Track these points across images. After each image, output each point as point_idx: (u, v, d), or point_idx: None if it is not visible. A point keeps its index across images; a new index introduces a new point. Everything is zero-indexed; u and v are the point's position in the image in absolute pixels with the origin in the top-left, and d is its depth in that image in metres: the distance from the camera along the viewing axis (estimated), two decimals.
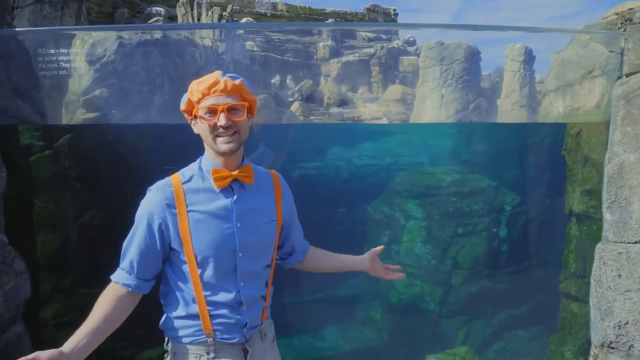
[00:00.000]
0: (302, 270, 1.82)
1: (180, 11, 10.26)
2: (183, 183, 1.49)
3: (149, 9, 12.95)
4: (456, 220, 5.53)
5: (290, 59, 15.97)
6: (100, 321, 1.46)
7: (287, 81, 14.94)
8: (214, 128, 1.44)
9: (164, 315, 1.58)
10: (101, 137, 3.80)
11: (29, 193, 3.15)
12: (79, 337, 1.41)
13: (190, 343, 1.53)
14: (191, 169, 1.54)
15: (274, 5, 17.65)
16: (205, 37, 9.49)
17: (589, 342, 2.79)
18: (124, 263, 1.51)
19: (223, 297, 1.51)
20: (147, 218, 1.48)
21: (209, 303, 1.50)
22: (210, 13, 9.43)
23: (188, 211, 1.46)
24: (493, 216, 5.49)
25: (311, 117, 15.09)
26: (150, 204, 1.48)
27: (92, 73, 4.30)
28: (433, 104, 11.12)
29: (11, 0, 6.84)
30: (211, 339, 1.51)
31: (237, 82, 1.46)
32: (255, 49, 14.59)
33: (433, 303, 5.35)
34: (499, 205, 5.56)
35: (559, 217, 4.57)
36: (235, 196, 1.50)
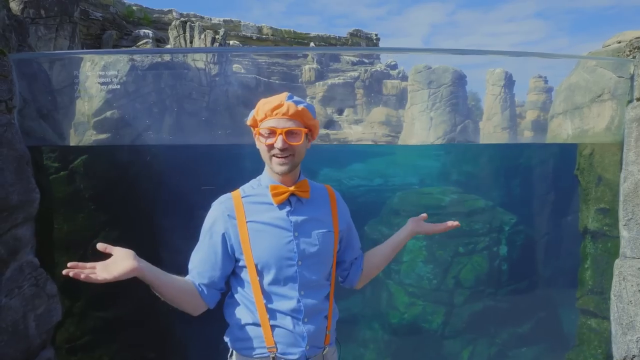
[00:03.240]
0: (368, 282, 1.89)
1: (172, 34, 10.33)
2: (243, 197, 1.59)
3: (137, 31, 12.96)
4: (457, 240, 5.62)
5: (277, 81, 16.15)
6: (174, 281, 1.53)
7: None
8: (271, 148, 1.53)
9: (228, 326, 1.64)
10: (116, 158, 3.78)
11: (50, 214, 3.10)
12: (156, 269, 1.48)
13: (252, 357, 1.56)
14: (251, 185, 1.64)
15: (260, 29, 17.89)
16: (198, 60, 9.56)
17: (609, 357, 2.88)
18: (191, 268, 1.60)
19: (284, 305, 1.55)
20: (211, 229, 1.58)
21: (270, 312, 1.54)
22: (203, 36, 9.54)
23: (247, 222, 1.55)
24: (493, 235, 5.61)
25: None
26: (214, 215, 1.58)
27: (104, 94, 4.31)
28: (422, 126, 11.37)
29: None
30: (273, 354, 1.54)
31: (300, 107, 1.53)
32: (242, 71, 14.70)
33: (435, 323, 5.37)
34: (498, 225, 5.68)
35: (564, 235, 4.72)
36: (292, 208, 1.59)
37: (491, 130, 13.18)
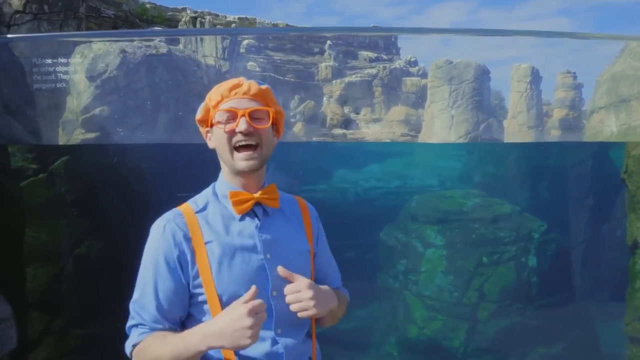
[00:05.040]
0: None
1: None
2: (196, 212, 1.26)
3: (150, 29, 12.76)
4: (480, 249, 5.16)
5: (292, 79, 15.79)
6: None
7: (289, 102, 14.75)
8: (232, 135, 1.22)
9: None
10: (101, 159, 3.45)
11: (19, 222, 2.76)
12: None
13: None
14: (204, 196, 1.31)
15: (275, 27, 17.58)
16: (208, 56, 9.26)
17: None
18: (144, 316, 1.22)
19: (256, 349, 1.19)
20: (163, 254, 1.22)
21: (241, 358, 1.20)
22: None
23: (206, 243, 1.22)
24: (520, 244, 5.13)
25: (314, 138, 14.83)
26: (162, 239, 1.23)
27: (93, 90, 3.97)
28: (442, 125, 10.88)
29: (7, 17, 6.57)
30: None
31: (262, 86, 1.26)
32: (257, 69, 14.41)
33: (457, 340, 4.93)
34: (526, 232, 5.19)
35: (605, 245, 4.22)
36: (260, 222, 1.27)
37: (516, 129, 12.60)
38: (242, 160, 1.23)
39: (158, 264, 1.22)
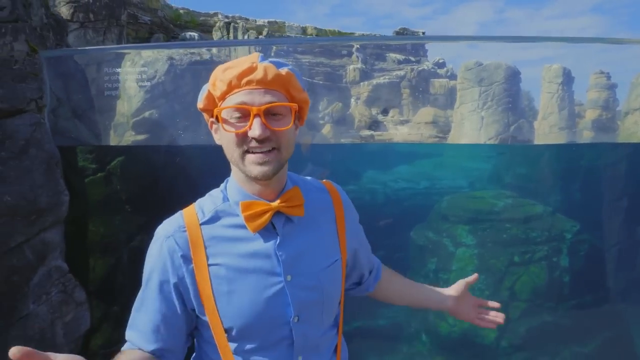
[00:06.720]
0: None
1: (216, 35, 10.37)
2: (201, 224, 1.03)
3: (183, 34, 13.19)
4: (511, 248, 5.22)
5: (320, 82, 16.00)
6: None
7: (318, 104, 14.92)
8: (243, 140, 0.96)
9: None
10: (153, 159, 3.70)
11: (84, 217, 3.03)
12: None
13: None
14: (213, 200, 1.07)
15: (304, 30, 17.83)
16: None
17: None
18: (131, 333, 1.07)
19: None
20: (159, 277, 1.03)
21: None
22: (246, 37, 9.48)
23: (209, 265, 1.01)
24: (552, 244, 5.16)
25: (342, 140, 14.98)
26: (159, 256, 1.03)
27: (142, 94, 4.24)
28: (472, 126, 10.86)
29: None
30: None
31: (282, 71, 0.97)
32: None
33: (489, 338, 5.00)
34: (558, 233, 5.23)
35: (639, 247, 4.24)
36: (279, 238, 1.03)
37: (547, 130, 12.44)
38: (254, 164, 0.97)
39: (150, 287, 1.05)
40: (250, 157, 0.97)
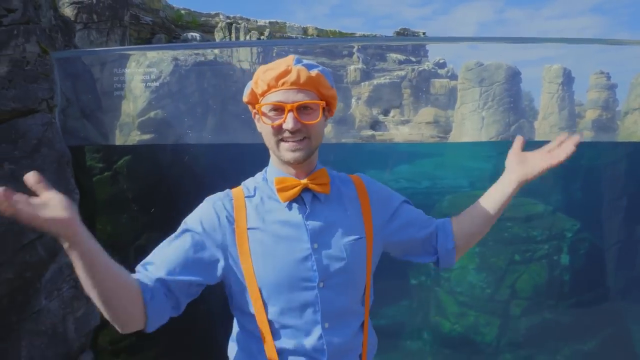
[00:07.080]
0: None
1: (218, 36, 10.42)
2: (246, 197, 1.21)
3: (185, 34, 13.24)
4: (512, 247, 5.26)
5: None
6: (114, 267, 1.03)
7: None
8: (278, 131, 1.15)
9: None
10: (159, 158, 3.75)
11: (92, 216, 3.08)
12: (95, 242, 1.04)
13: None
14: (255, 180, 1.26)
15: (305, 30, 17.87)
16: (243, 61, 9.59)
17: None
18: (143, 269, 1.12)
19: (299, 343, 1.15)
20: (201, 225, 1.15)
21: (280, 353, 1.15)
22: (248, 37, 9.54)
23: (248, 229, 1.16)
24: (553, 243, 5.21)
25: (343, 140, 15.02)
26: (209, 213, 1.17)
27: (148, 95, 4.29)
28: (473, 126, 10.90)
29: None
30: None
31: (313, 72, 1.14)
32: None
33: (489, 335, 5.05)
34: (559, 231, 5.27)
35: (638, 246, 4.29)
36: (308, 210, 1.19)
37: (547, 130, 12.49)
38: (288, 151, 1.15)
39: (188, 232, 1.14)
40: (284, 144, 1.16)
